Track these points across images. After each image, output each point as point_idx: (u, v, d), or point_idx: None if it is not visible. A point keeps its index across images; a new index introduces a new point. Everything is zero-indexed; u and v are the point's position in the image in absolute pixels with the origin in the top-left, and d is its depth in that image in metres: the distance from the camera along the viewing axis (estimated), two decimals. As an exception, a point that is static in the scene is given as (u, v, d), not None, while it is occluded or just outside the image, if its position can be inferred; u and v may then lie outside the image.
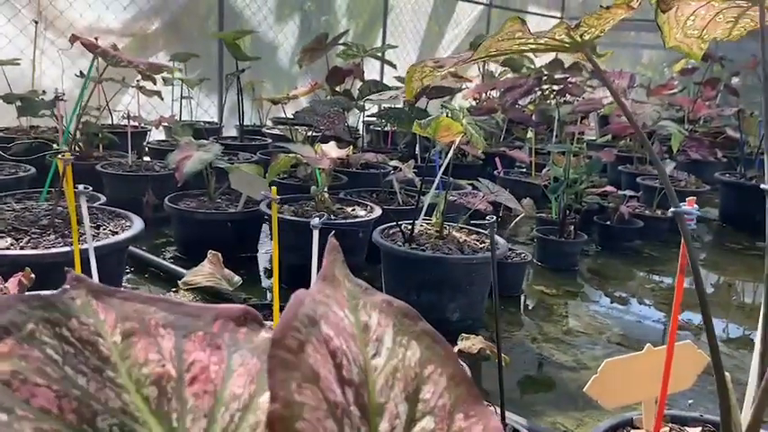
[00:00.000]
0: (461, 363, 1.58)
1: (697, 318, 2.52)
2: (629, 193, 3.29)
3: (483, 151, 4.42)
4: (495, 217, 1.30)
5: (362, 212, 2.51)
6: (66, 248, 1.53)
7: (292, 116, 3.11)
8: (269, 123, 4.89)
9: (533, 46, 0.90)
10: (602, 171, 4.84)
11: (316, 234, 1.17)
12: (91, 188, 1.31)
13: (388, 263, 2.14)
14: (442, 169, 2.19)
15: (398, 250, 2.04)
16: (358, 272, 2.53)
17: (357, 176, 3.31)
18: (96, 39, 3.55)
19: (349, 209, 2.54)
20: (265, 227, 2.83)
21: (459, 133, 1.99)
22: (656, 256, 3.19)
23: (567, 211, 2.94)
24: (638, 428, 1.15)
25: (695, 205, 0.93)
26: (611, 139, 4.60)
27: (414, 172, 3.18)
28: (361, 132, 5.51)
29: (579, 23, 0.80)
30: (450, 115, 2.03)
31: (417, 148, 4.27)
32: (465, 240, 2.22)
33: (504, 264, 2.49)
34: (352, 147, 3.23)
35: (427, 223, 2.32)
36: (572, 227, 2.94)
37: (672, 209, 0.93)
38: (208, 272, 1.37)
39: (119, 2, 4.29)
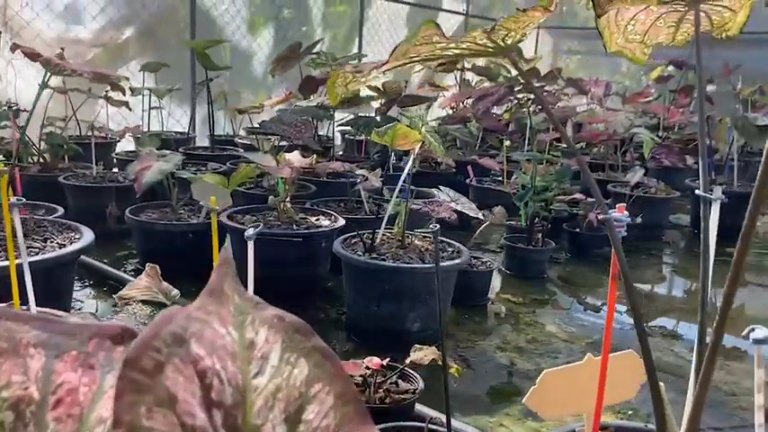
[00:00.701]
0: (415, 374, 1.53)
1: (670, 323, 2.52)
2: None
3: (456, 159, 4.44)
4: (438, 226, 1.28)
5: (326, 222, 2.48)
6: (5, 263, 1.48)
7: (258, 126, 3.08)
8: (242, 133, 4.85)
9: (457, 51, 0.88)
10: (576, 178, 4.85)
11: (250, 246, 1.14)
12: (24, 200, 1.28)
13: (348, 273, 2.11)
14: (403, 178, 2.16)
15: (357, 260, 2.01)
16: (321, 282, 2.50)
17: (326, 185, 3.28)
18: (62, 49, 3.51)
19: (313, 218, 2.51)
20: (229, 237, 2.78)
21: (417, 141, 1.97)
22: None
23: (536, 219, 2.93)
24: (581, 440, 1.12)
25: (625, 212, 0.92)
26: (585, 146, 4.62)
27: (382, 181, 3.16)
28: (336, 141, 5.51)
29: (495, 26, 0.78)
30: (408, 123, 2.01)
31: (393, 157, 4.24)
32: (427, 249, 2.20)
33: (469, 272, 2.47)
34: (316, 155, 3.21)
35: (390, 232, 2.30)
36: (540, 234, 2.93)
37: (600, 216, 0.91)
38: (144, 286, 1.33)
39: (88, 12, 4.24)
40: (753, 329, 0.86)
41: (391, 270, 1.97)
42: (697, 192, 0.99)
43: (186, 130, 4.81)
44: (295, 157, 2.46)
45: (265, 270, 2.39)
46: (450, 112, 5.49)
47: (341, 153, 5.04)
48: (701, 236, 1.01)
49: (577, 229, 3.21)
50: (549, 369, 1.09)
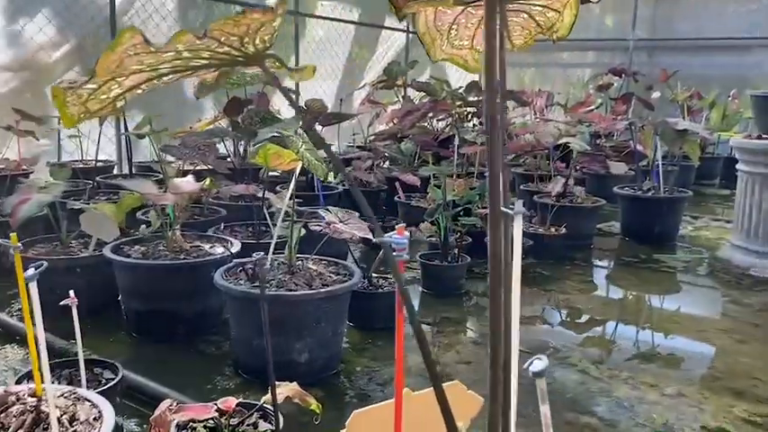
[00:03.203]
0: (277, 412, 1.38)
1: (581, 337, 2.44)
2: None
3: (387, 176, 4.36)
4: (262, 253, 1.18)
5: (220, 249, 2.35)
6: None
7: (160, 150, 2.96)
8: (170, 158, 4.70)
9: (204, 61, 0.78)
10: (512, 189, 4.81)
11: (33, 287, 1.02)
12: None
13: (230, 304, 1.99)
14: (286, 200, 2.06)
15: (235, 290, 1.89)
16: (216, 314, 2.37)
17: (239, 209, 3.16)
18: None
19: (207, 246, 2.39)
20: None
21: (293, 161, 1.87)
22: (547, 274, 3.12)
23: (454, 234, 2.85)
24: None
25: (405, 233, 0.82)
26: (514, 157, 4.58)
27: (300, 202, 3.06)
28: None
29: (206, 32, 0.68)
30: (284, 142, 1.91)
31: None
32: (320, 273, 2.09)
33: (373, 294, 2.37)
34: (224, 178, 3.10)
35: (283, 257, 2.18)
36: (456, 250, 2.85)
37: (375, 239, 0.81)
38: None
39: (11, 34, 4.08)
40: (532, 362, 0.76)
41: (270, 299, 1.86)
42: (500, 206, 0.90)
43: (111, 158, 4.65)
44: (185, 182, 2.34)
45: (153, 304, 2.27)
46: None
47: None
48: (501, 246, 0.91)
49: (499, 243, 3.12)
50: (359, 410, 0.98)
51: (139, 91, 0.85)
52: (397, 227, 0.83)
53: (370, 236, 2.03)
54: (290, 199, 2.03)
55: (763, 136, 3.05)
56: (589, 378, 2.06)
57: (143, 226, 2.31)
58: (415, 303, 2.76)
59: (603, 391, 1.97)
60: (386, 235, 0.82)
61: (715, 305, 2.89)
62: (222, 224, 2.86)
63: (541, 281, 3.04)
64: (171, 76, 0.82)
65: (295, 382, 1.49)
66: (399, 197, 3.92)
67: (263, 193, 2.17)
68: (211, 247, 2.38)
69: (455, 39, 1.17)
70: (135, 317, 2.26)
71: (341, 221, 2.04)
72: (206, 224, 2.88)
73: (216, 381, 1.96)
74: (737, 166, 3.20)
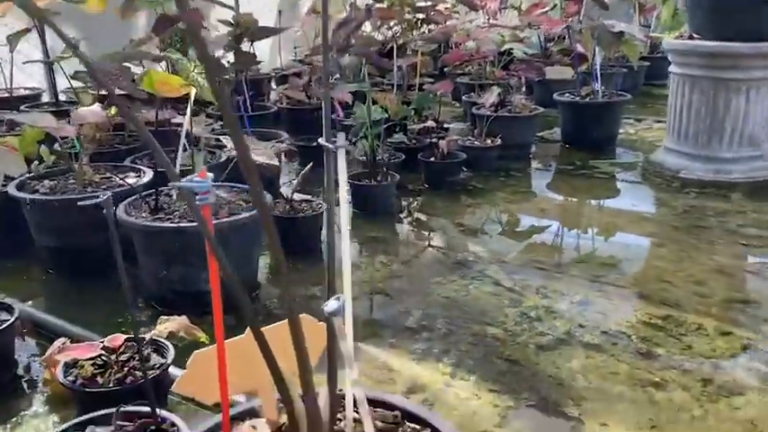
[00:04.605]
0: (168, 344, 1.37)
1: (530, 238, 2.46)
2: (454, 125, 3.18)
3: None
4: (109, 194, 1.13)
5: (132, 180, 2.29)
6: None
7: (71, 77, 2.82)
8: (103, 83, 4.50)
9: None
10: (458, 101, 4.73)
11: None
12: None
13: (134, 237, 1.96)
14: (186, 121, 1.98)
15: (136, 223, 1.85)
16: (130, 247, 2.34)
17: (163, 135, 3.06)
18: None
19: (119, 176, 2.32)
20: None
21: (183, 87, 1.78)
22: (481, 187, 3.11)
23: (376, 153, 2.81)
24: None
25: (209, 174, 0.78)
26: (458, 65, 4.46)
27: (222, 125, 2.97)
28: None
29: None
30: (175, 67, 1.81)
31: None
32: (229, 202, 2.05)
33: (293, 219, 2.35)
34: (115, 108, 2.97)
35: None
36: (385, 168, 2.81)
37: (171, 184, 0.77)
38: None
39: None
40: (327, 303, 0.75)
41: (172, 231, 1.83)
42: (320, 141, 0.86)
43: (38, 86, 4.44)
44: (90, 112, 2.24)
45: (64, 240, 2.23)
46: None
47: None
48: (325, 183, 0.88)
49: (432, 159, 3.10)
50: (200, 350, 0.98)
51: None
52: (199, 170, 0.78)
53: (275, 162, 1.99)
54: (191, 125, 1.96)
55: (695, 36, 2.99)
56: (502, 289, 2.10)
57: (35, 162, 2.23)
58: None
59: (514, 302, 2.01)
60: (185, 179, 0.78)
61: (641, 209, 2.92)
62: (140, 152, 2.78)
63: (474, 193, 3.04)
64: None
65: (184, 316, 1.49)
66: (338, 115, 3.83)
67: (156, 116, 2.10)
68: (123, 178, 2.32)
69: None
70: (48, 253, 2.22)
71: (245, 147, 1.98)
72: (127, 152, 2.80)
73: (128, 314, 1.96)
74: (670, 69, 3.16)
